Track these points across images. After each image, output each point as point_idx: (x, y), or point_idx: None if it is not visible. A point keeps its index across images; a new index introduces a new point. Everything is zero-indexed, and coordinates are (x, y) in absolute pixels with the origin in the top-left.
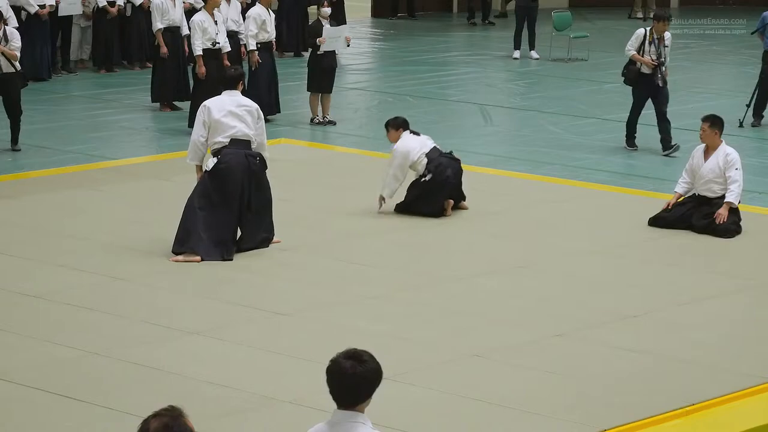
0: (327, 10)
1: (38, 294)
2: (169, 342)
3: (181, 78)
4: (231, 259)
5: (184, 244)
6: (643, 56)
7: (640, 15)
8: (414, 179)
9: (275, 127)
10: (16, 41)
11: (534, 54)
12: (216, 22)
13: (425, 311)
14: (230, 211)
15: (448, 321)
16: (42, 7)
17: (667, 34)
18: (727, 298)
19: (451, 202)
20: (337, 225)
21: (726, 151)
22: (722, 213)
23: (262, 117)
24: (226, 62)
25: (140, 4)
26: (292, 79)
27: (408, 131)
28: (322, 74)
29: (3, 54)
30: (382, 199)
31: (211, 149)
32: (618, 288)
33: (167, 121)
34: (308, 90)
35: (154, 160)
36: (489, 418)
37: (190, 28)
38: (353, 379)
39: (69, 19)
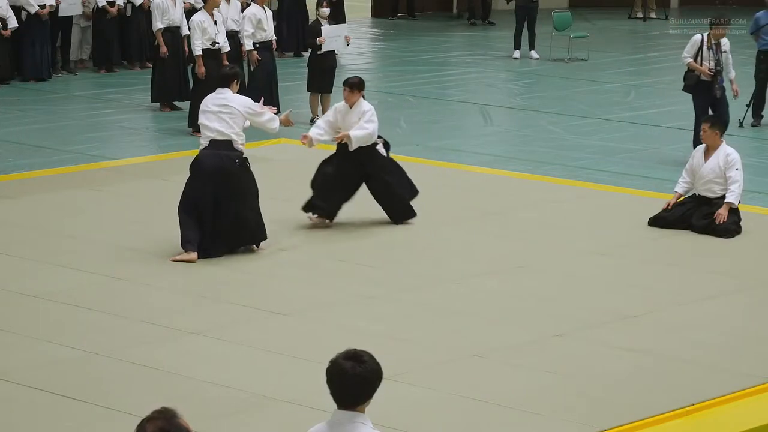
0: (326, 10)
1: (38, 294)
2: (169, 342)
3: (181, 78)
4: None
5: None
6: (700, 64)
7: (640, 15)
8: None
9: None
10: None
11: (534, 54)
12: (216, 22)
13: (425, 311)
14: (204, 211)
15: (448, 321)
16: (42, 7)
17: (725, 40)
18: (727, 298)
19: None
20: (336, 225)
21: (726, 152)
22: (722, 213)
23: (252, 111)
24: (226, 62)
25: (140, 4)
26: (292, 79)
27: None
28: (322, 74)
29: None
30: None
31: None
32: (618, 288)
33: (167, 121)
34: (308, 90)
35: (154, 160)
36: (489, 418)
37: (189, 28)
38: (353, 379)
39: (69, 19)
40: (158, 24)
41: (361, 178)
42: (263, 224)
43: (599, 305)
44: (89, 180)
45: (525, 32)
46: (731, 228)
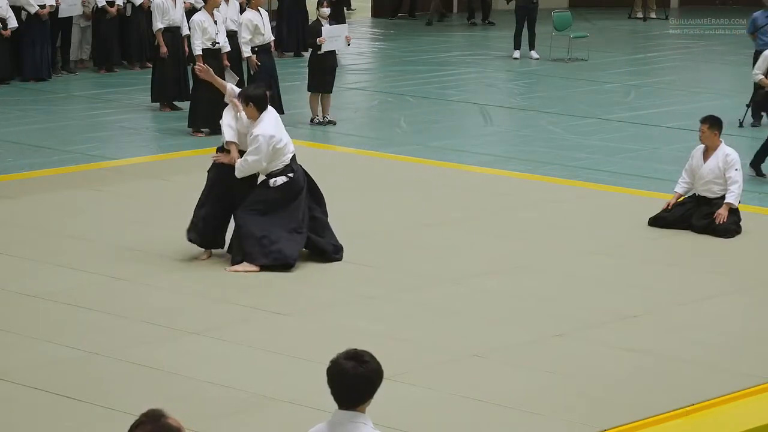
0: (326, 10)
1: (38, 294)
2: (169, 342)
3: (181, 78)
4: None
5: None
6: None
7: (640, 15)
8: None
9: None
10: None
11: (534, 54)
12: (216, 22)
13: (425, 311)
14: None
15: (448, 321)
16: (42, 7)
17: None
18: (727, 298)
19: None
20: (336, 225)
21: (726, 152)
22: (722, 213)
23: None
24: (226, 62)
25: (140, 4)
26: (292, 79)
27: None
28: (323, 74)
29: None
30: None
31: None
32: (618, 288)
33: (167, 121)
34: (309, 90)
35: (154, 160)
36: (489, 418)
37: (190, 28)
38: (354, 379)
39: (69, 19)
40: (158, 24)
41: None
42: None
43: (599, 305)
44: (89, 180)
45: (525, 32)
46: (731, 228)
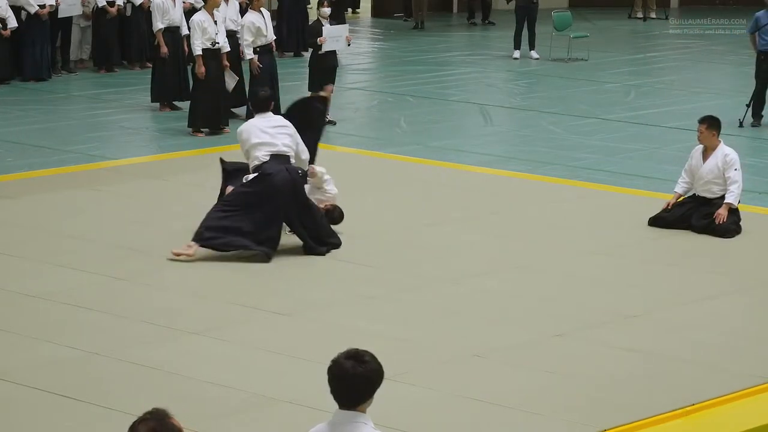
0: (327, 10)
1: (38, 294)
2: (169, 342)
3: (181, 78)
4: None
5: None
6: None
7: (640, 15)
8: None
9: None
10: None
11: (534, 54)
12: (216, 22)
13: (425, 311)
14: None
15: (448, 321)
16: (42, 7)
17: None
18: (727, 298)
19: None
20: (336, 226)
21: (725, 152)
22: (722, 213)
23: (297, 134)
24: (226, 62)
25: (140, 4)
26: (293, 79)
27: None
28: (323, 74)
29: None
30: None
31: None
32: (618, 288)
33: (167, 121)
34: (309, 90)
35: (154, 160)
36: (489, 418)
37: (189, 28)
38: (354, 379)
39: (69, 19)
40: (158, 24)
41: None
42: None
43: (599, 305)
44: (89, 180)
45: (525, 32)
46: (731, 228)
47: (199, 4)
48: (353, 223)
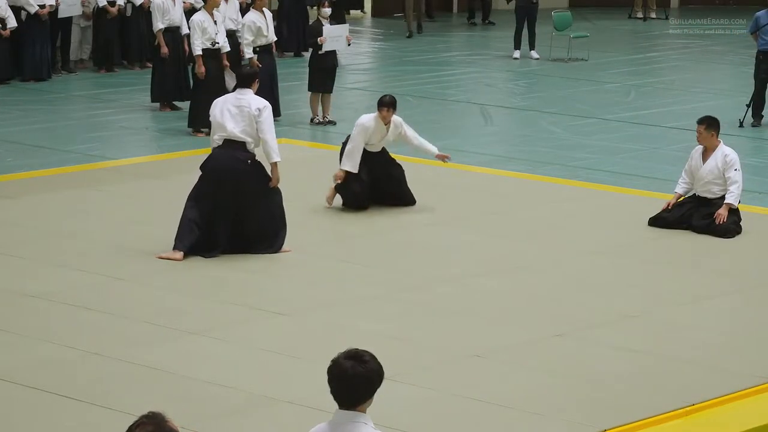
0: (327, 11)
1: (38, 294)
2: (169, 342)
3: (181, 78)
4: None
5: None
6: None
7: (640, 15)
8: None
9: (276, 127)
10: None
11: (534, 54)
12: (215, 22)
13: (425, 311)
14: (214, 210)
15: (448, 321)
16: (42, 7)
17: None
18: (727, 298)
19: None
20: (337, 225)
21: (725, 152)
22: (722, 213)
23: (265, 115)
24: (226, 62)
25: (140, 4)
26: (293, 79)
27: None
28: (324, 74)
29: None
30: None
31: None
32: (618, 288)
33: (167, 121)
34: (309, 90)
35: (154, 160)
36: (489, 418)
37: (189, 28)
38: (354, 379)
39: (69, 19)
40: (159, 24)
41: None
42: (282, 232)
43: (599, 305)
44: (89, 180)
45: (525, 32)
46: (731, 228)
47: (199, 4)
48: (353, 223)
